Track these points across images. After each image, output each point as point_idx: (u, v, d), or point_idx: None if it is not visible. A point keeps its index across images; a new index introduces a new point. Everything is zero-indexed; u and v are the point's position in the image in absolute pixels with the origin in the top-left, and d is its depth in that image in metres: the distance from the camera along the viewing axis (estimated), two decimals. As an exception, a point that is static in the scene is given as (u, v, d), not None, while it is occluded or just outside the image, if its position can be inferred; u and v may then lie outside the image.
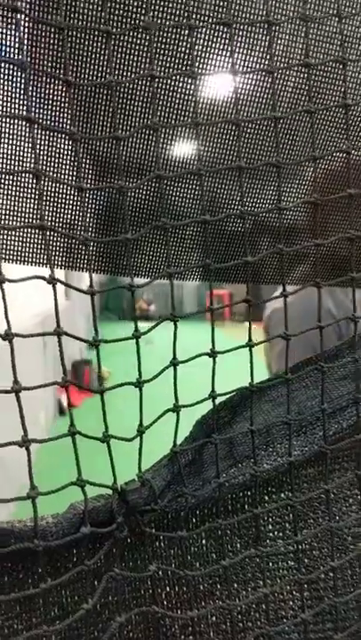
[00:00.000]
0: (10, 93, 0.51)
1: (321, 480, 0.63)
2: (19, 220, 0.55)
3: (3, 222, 0.50)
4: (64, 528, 0.47)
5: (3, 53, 0.51)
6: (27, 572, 0.56)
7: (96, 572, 0.56)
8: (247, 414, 0.61)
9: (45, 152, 0.50)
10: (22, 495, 0.43)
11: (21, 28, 0.47)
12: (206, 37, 0.59)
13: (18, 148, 0.50)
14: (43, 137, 0.51)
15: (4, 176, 0.55)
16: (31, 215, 0.56)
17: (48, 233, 0.47)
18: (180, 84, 0.55)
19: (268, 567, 0.62)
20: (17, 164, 0.50)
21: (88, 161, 0.59)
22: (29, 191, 0.50)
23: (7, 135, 0.49)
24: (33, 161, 0.47)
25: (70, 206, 0.51)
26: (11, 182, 0.51)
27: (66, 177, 0.53)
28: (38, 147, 0.50)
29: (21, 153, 0.51)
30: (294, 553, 0.63)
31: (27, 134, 0.45)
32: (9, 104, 0.51)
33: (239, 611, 0.62)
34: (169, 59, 0.57)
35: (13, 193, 0.51)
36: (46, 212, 0.51)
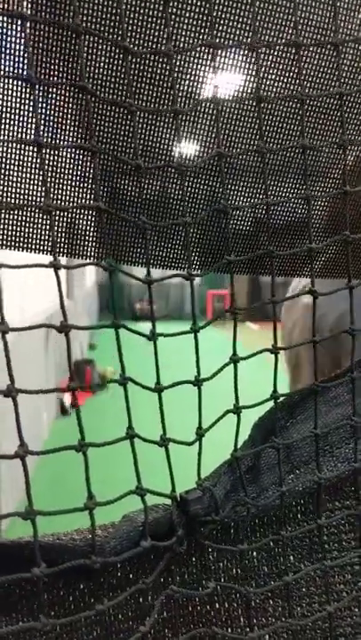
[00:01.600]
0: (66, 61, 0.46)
1: None
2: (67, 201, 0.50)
3: (58, 203, 0.45)
4: (122, 542, 0.43)
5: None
6: (68, 589, 0.52)
7: (141, 590, 0.51)
8: (304, 417, 0.57)
9: (101, 129, 0.46)
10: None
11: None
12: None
13: (76, 127, 0.46)
14: (104, 114, 0.46)
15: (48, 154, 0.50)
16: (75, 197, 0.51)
17: (105, 216, 0.42)
18: (242, 57, 0.51)
19: (324, 582, 0.58)
20: (68, 140, 0.46)
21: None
22: (85, 169, 0.46)
23: (69, 113, 0.45)
24: (89, 138, 0.42)
25: (122, 187, 0.47)
26: (58, 160, 0.47)
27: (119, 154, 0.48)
28: (94, 123, 0.45)
29: (73, 132, 0.47)
30: (351, 566, 0.59)
31: (89, 111, 0.40)
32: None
33: (295, 629, 0.57)
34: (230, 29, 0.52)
35: (60, 171, 0.47)
36: (101, 193, 0.46)
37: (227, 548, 0.51)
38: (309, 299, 0.52)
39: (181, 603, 0.55)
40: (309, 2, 0.55)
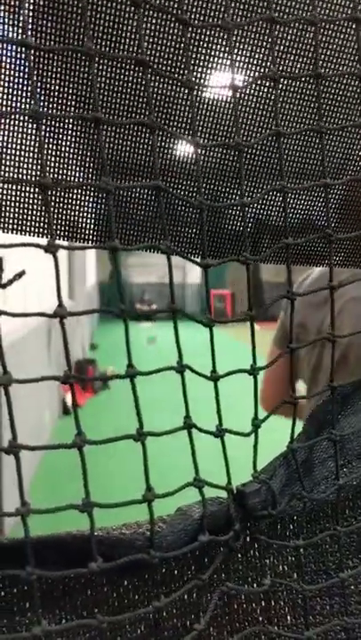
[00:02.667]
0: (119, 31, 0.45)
1: None
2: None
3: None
4: (180, 536, 0.41)
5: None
6: (111, 586, 0.50)
7: (189, 585, 0.49)
8: (355, 409, 0.55)
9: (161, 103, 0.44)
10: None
11: None
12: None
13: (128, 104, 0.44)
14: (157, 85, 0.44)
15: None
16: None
17: (162, 194, 0.40)
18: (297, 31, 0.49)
19: (373, 579, 0.56)
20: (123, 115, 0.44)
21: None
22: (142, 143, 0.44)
23: (122, 87, 0.43)
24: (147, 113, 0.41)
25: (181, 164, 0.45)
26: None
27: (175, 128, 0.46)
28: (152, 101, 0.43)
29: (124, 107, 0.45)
30: None
31: (149, 88, 0.38)
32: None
33: (343, 627, 0.55)
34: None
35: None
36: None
37: (283, 544, 0.49)
38: (357, 290, 0.50)
39: (227, 600, 0.53)
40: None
